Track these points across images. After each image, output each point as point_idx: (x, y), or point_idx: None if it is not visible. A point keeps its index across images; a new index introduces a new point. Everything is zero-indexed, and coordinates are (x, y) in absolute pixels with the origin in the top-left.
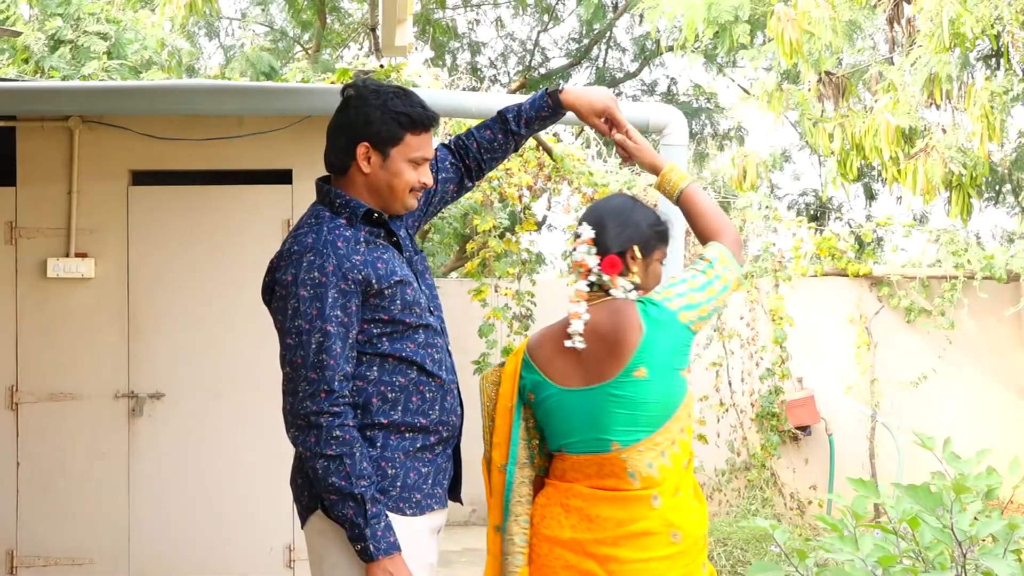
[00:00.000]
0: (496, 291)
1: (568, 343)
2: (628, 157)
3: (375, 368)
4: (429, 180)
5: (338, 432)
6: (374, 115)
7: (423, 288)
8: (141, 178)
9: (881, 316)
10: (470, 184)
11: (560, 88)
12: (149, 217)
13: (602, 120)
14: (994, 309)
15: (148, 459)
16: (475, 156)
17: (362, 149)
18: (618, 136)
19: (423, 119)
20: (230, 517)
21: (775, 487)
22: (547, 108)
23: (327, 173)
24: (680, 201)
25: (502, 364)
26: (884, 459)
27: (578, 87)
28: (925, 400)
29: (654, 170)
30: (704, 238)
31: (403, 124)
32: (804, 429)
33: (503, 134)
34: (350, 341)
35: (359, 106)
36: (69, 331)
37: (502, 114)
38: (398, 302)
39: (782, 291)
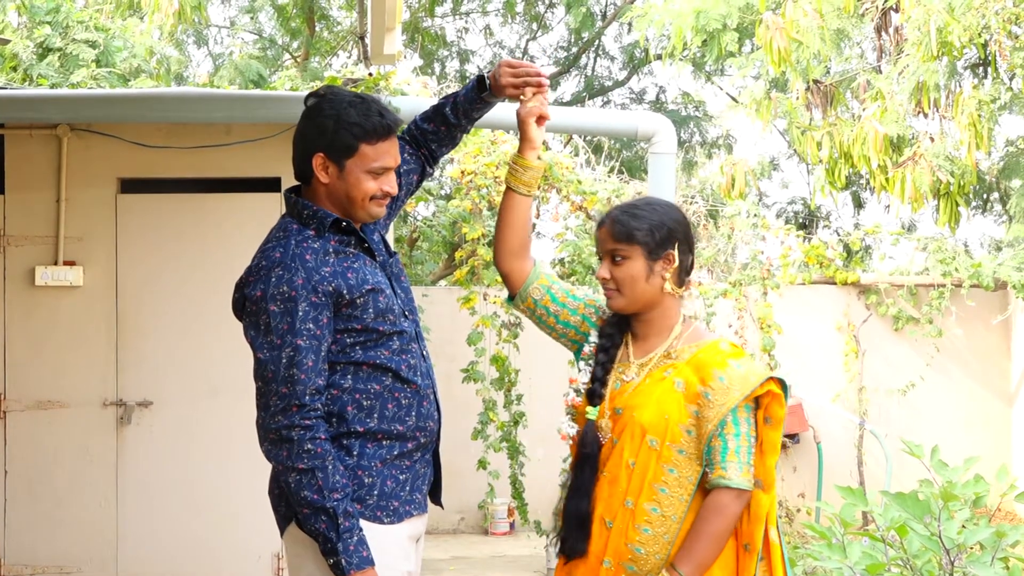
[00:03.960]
0: (485, 299)
1: None
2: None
3: (349, 377)
4: (393, 189)
5: (310, 445)
6: (328, 125)
7: (398, 292)
8: (129, 186)
9: (869, 324)
10: (430, 170)
11: (486, 75)
12: (137, 225)
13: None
14: (982, 317)
15: (136, 467)
16: (426, 145)
17: (318, 160)
18: (531, 106)
19: (378, 128)
20: (218, 525)
21: None
22: (478, 99)
23: (297, 184)
24: (529, 198)
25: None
26: (872, 467)
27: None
28: (913, 408)
29: (533, 153)
30: (529, 245)
31: (356, 135)
32: (792, 437)
33: (445, 126)
34: (322, 354)
35: (315, 116)
36: (57, 339)
37: (440, 106)
38: (371, 310)
39: (770, 299)
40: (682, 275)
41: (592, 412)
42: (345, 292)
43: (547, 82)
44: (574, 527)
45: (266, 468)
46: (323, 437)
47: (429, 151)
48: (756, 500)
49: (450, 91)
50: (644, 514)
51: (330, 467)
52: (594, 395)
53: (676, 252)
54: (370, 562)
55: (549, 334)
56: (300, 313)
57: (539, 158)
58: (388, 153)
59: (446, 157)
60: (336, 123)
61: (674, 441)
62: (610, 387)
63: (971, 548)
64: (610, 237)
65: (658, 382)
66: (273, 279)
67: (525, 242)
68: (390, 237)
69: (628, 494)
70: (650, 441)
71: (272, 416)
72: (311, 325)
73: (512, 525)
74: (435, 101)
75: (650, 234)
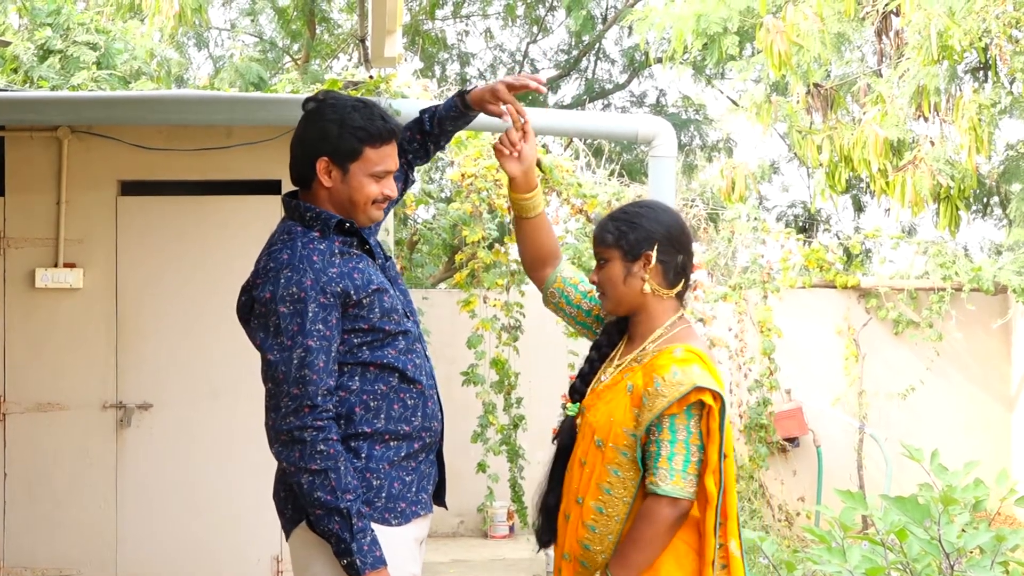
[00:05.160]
0: (485, 302)
1: None
2: (507, 150)
3: (357, 378)
4: (393, 192)
5: (322, 446)
6: (332, 130)
7: (398, 294)
8: (130, 188)
9: (869, 328)
10: (412, 178)
11: (469, 88)
12: (137, 227)
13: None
14: (982, 321)
15: (136, 469)
16: (403, 155)
17: (322, 164)
18: (513, 133)
19: (382, 132)
20: (218, 528)
21: (763, 499)
22: (456, 109)
23: (294, 188)
24: (537, 218)
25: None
26: (872, 471)
27: (483, 83)
28: (913, 412)
29: (527, 184)
30: (553, 254)
31: (361, 139)
32: (792, 441)
33: (420, 135)
34: (332, 354)
35: (318, 120)
36: (57, 341)
37: (420, 117)
38: (377, 310)
39: (770, 303)
40: (668, 276)
41: (572, 408)
42: (352, 292)
43: (525, 96)
44: (543, 518)
45: (266, 470)
46: (335, 438)
47: (407, 161)
48: (703, 513)
49: (451, 94)
50: (591, 512)
51: (342, 468)
52: (574, 391)
53: (654, 253)
54: (383, 562)
55: (578, 332)
56: (310, 314)
57: (537, 185)
58: (390, 157)
59: (446, 159)
60: (340, 127)
61: (617, 443)
62: (592, 386)
63: (971, 552)
64: (594, 241)
65: (616, 384)
66: (282, 280)
67: (543, 254)
68: (390, 240)
69: (579, 492)
70: (597, 441)
71: (284, 417)
72: (321, 326)
73: (512, 528)
74: (435, 102)
75: (623, 236)
